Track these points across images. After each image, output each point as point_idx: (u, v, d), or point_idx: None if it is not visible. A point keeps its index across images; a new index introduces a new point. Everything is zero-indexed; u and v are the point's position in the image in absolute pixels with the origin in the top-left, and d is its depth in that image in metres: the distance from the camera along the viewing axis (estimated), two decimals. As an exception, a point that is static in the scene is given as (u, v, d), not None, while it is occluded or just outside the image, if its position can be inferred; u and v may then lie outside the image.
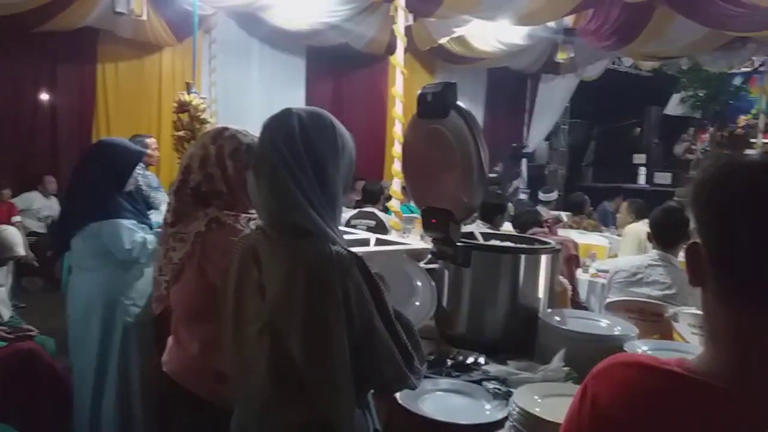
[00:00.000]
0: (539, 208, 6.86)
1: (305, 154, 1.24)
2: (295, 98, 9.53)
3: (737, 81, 11.15)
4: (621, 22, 6.99)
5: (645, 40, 7.37)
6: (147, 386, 2.84)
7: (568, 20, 7.67)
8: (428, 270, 2.10)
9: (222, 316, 1.37)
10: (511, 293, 1.85)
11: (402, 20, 5.09)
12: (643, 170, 12.71)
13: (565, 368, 1.51)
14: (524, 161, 11.55)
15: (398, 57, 5.06)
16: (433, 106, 1.85)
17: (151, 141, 5.35)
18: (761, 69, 10.41)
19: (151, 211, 3.64)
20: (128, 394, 2.85)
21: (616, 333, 1.63)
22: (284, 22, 7.58)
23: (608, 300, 3.11)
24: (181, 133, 5.31)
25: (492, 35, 8.33)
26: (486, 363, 1.69)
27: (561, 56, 8.56)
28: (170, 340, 1.75)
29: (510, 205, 9.24)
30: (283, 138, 1.25)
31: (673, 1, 6.42)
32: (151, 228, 2.92)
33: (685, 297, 2.82)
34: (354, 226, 4.98)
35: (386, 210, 6.12)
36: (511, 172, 10.87)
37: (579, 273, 4.31)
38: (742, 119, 11.04)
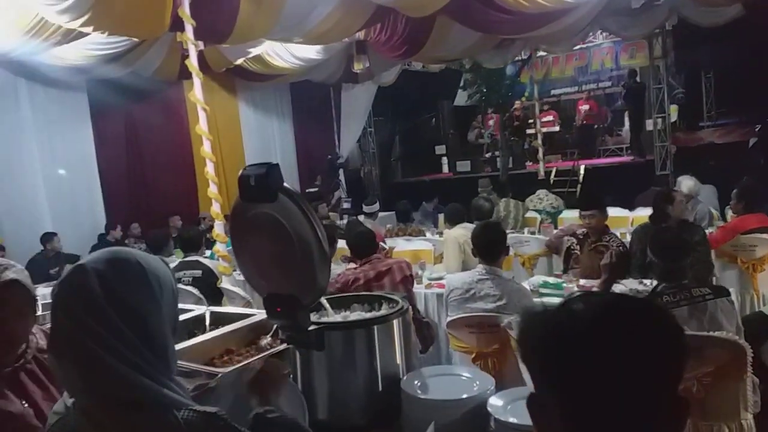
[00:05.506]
0: (363, 219, 7.02)
1: (117, 316, 1.02)
2: (82, 137, 8.58)
3: (509, 70, 12.50)
4: (408, 32, 7.40)
5: (431, 47, 7.89)
6: None
7: (360, 33, 7.92)
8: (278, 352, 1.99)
9: None
10: (369, 367, 1.81)
11: (194, 54, 4.79)
12: (445, 160, 13.73)
13: (439, 443, 1.51)
14: (341, 171, 11.77)
15: (197, 93, 4.76)
16: (258, 189, 1.71)
17: None
18: (529, 61, 11.83)
19: None
20: None
21: (476, 391, 1.67)
22: (53, 58, 6.71)
23: (449, 318, 3.25)
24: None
25: (288, 51, 8.29)
26: (357, 450, 1.63)
27: (357, 67, 8.86)
28: None
29: (334, 215, 9.39)
30: (85, 308, 1.01)
31: (450, 11, 6.94)
32: None
33: (514, 305, 3.05)
34: (178, 280, 4.59)
35: (209, 246, 5.77)
36: (331, 184, 11.02)
37: (414, 288, 4.45)
38: (518, 104, 12.47)
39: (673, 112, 11.41)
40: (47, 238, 6.91)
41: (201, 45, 6.04)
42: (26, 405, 1.42)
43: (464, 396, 1.67)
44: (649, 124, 10.89)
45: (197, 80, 4.70)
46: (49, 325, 1.22)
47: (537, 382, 0.79)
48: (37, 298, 1.55)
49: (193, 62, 4.73)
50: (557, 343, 0.75)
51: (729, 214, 5.54)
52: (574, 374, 0.74)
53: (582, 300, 0.79)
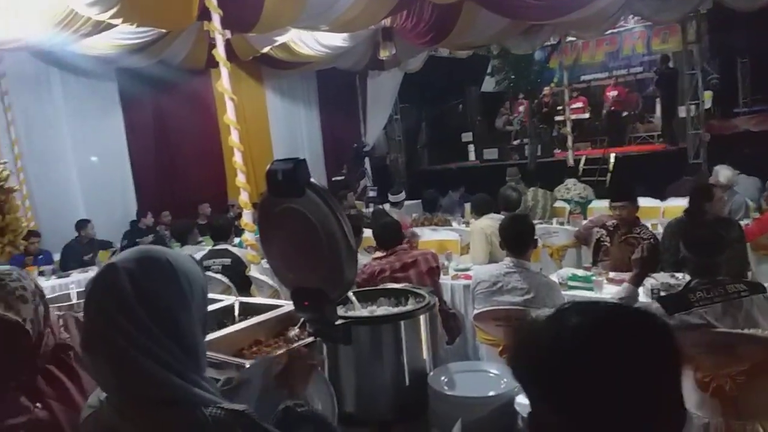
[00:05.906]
0: (389, 208, 7.02)
1: (147, 314, 1.04)
2: (112, 125, 8.72)
3: (538, 56, 12.27)
4: (434, 19, 7.32)
5: (458, 33, 7.79)
6: None
7: (386, 20, 7.86)
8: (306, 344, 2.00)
9: None
10: (396, 361, 1.81)
11: (221, 44, 4.80)
12: (472, 147, 13.59)
13: (467, 441, 1.51)
14: (367, 159, 11.75)
15: (224, 83, 4.78)
16: (286, 184, 1.72)
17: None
18: (558, 46, 11.59)
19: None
20: None
21: (504, 389, 1.66)
22: (84, 48, 6.81)
23: (476, 311, 3.23)
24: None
25: (314, 39, 8.28)
26: (385, 445, 1.63)
27: (383, 54, 8.80)
28: None
29: (360, 203, 9.40)
30: (117, 306, 1.03)
31: (478, -3, 6.83)
32: None
33: (542, 299, 3.02)
34: (207, 268, 4.66)
35: (238, 234, 5.82)
36: (357, 173, 11.02)
37: (441, 279, 4.43)
38: (547, 90, 12.25)
39: (707, 98, 11.08)
40: (81, 225, 7.07)
41: (228, 34, 6.06)
42: (40, 407, 1.42)
43: (491, 393, 1.66)
44: (682, 111, 10.58)
45: (224, 70, 4.72)
46: (82, 314, 1.23)
47: (536, 399, 0.79)
48: (30, 318, 1.41)
49: (220, 52, 4.74)
50: (558, 357, 0.75)
51: (763, 205, 5.37)
52: (577, 387, 0.73)
53: (576, 312, 0.80)
